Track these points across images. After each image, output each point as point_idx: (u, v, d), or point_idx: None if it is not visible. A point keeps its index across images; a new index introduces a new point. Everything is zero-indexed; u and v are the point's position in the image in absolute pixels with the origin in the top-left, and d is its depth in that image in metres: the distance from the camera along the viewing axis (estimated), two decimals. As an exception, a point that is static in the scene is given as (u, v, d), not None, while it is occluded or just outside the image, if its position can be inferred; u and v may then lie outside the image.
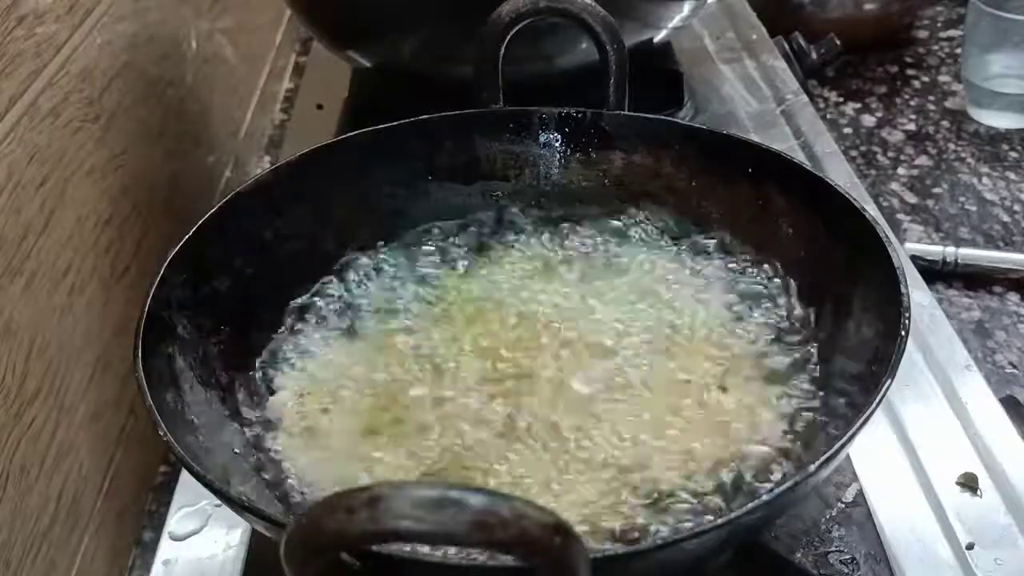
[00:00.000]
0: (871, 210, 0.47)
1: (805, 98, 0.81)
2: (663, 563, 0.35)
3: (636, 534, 0.40)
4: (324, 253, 0.55)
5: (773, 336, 0.49)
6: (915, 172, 0.89)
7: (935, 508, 0.47)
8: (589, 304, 0.52)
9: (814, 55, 0.95)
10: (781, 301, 0.51)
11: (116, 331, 0.62)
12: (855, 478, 0.49)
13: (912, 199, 0.86)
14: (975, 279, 0.76)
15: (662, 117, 0.57)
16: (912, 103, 0.99)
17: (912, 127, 0.95)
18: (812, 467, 0.35)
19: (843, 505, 0.48)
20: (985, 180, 0.87)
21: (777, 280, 0.52)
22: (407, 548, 0.32)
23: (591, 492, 0.42)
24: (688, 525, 0.40)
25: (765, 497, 0.35)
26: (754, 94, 0.81)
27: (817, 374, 0.47)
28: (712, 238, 0.54)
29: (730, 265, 0.53)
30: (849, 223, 0.47)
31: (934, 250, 0.76)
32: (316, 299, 0.53)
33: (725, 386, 0.47)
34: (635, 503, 0.41)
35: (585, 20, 0.54)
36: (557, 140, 0.58)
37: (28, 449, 0.51)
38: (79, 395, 0.57)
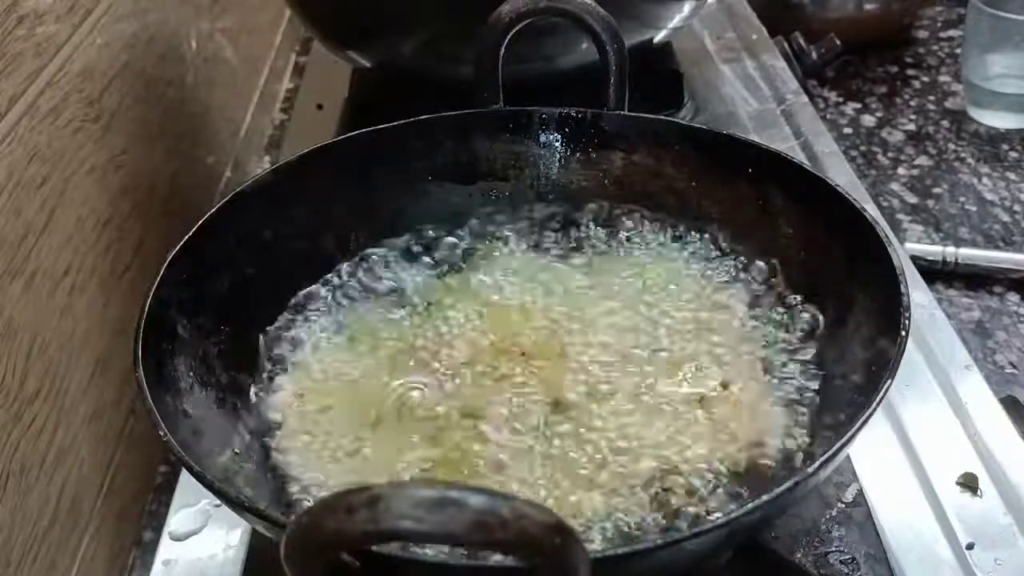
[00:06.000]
0: (871, 210, 0.47)
1: (805, 98, 0.81)
2: (663, 563, 0.35)
3: (637, 532, 0.40)
4: (324, 253, 0.55)
5: (773, 335, 0.49)
6: (915, 172, 0.89)
7: (935, 508, 0.47)
8: (589, 304, 0.52)
9: (814, 55, 0.95)
10: (780, 300, 0.51)
11: (116, 331, 0.62)
12: (855, 478, 0.49)
13: (912, 199, 0.86)
14: (975, 279, 0.76)
15: (662, 117, 0.57)
16: (912, 103, 0.99)
17: (912, 127, 0.95)
18: (812, 467, 0.35)
19: (843, 505, 0.48)
20: (985, 180, 0.87)
21: (777, 280, 0.52)
22: (407, 548, 0.32)
23: (590, 492, 0.42)
24: (688, 523, 0.40)
25: (765, 497, 0.35)
26: (754, 94, 0.81)
27: (817, 374, 0.47)
28: (712, 238, 0.54)
29: (730, 265, 0.53)
30: (849, 223, 0.47)
31: (934, 250, 0.76)
32: (316, 299, 0.53)
33: (726, 384, 0.47)
34: (636, 501, 0.41)
35: (585, 20, 0.54)
36: (557, 140, 0.58)
37: (28, 449, 0.51)
38: (79, 395, 0.57)
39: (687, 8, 0.73)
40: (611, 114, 0.56)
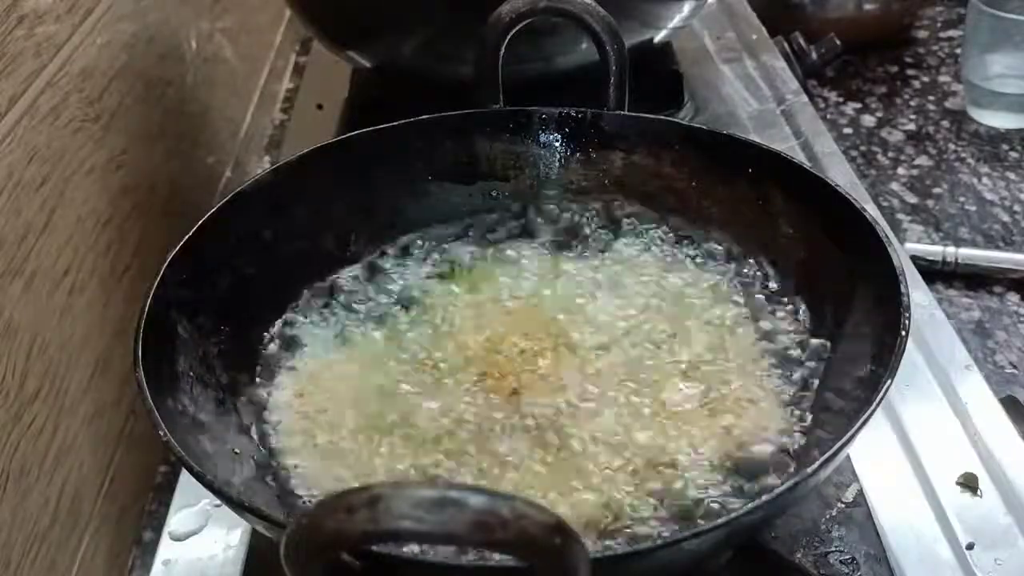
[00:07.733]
0: (871, 210, 0.47)
1: (805, 98, 0.81)
2: (663, 563, 0.35)
3: (637, 531, 0.40)
4: (324, 253, 0.55)
5: (773, 335, 0.49)
6: (915, 172, 0.89)
7: (935, 508, 0.47)
8: (589, 304, 0.52)
9: (814, 55, 0.95)
10: (781, 301, 0.51)
11: (116, 331, 0.62)
12: (855, 478, 0.49)
13: (912, 199, 0.86)
14: (975, 279, 0.76)
15: (662, 117, 0.57)
16: (912, 103, 0.99)
17: (912, 127, 0.95)
18: (812, 467, 0.35)
19: (843, 505, 0.48)
20: (985, 180, 0.87)
21: (777, 280, 0.52)
22: (407, 548, 0.32)
23: (591, 490, 0.42)
24: (687, 523, 0.40)
25: (765, 497, 0.35)
26: (754, 94, 0.81)
27: (817, 374, 0.47)
28: (712, 238, 0.54)
29: (730, 265, 0.53)
30: (849, 223, 0.47)
31: (934, 250, 0.76)
32: (316, 299, 0.53)
33: (726, 384, 0.47)
34: (635, 500, 0.41)
35: (585, 20, 0.54)
36: (557, 140, 0.58)
37: (28, 449, 0.51)
38: (79, 395, 0.57)
39: (687, 8, 0.73)
40: (611, 114, 0.56)
